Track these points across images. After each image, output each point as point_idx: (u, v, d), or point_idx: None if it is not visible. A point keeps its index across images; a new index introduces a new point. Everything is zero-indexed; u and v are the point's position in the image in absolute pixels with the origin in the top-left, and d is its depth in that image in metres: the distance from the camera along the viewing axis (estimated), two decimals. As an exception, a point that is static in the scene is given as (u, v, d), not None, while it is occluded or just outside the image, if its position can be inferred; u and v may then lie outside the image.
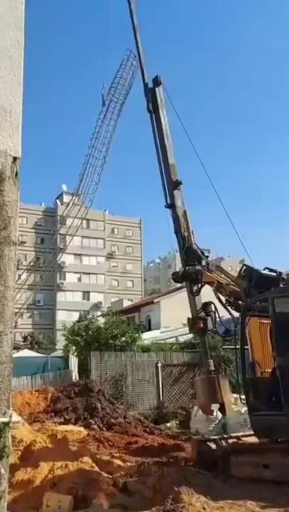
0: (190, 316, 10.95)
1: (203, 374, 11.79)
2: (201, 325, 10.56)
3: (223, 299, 10.29)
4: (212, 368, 10.80)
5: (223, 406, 10.37)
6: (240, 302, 9.43)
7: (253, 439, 9.21)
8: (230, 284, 10.13)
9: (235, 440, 9.63)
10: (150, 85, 12.41)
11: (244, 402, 9.03)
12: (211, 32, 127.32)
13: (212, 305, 10.67)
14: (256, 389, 8.74)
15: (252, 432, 9.30)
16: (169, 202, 11.55)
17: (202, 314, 10.65)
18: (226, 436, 10.05)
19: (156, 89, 12.23)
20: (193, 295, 10.82)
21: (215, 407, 10.59)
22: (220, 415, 12.16)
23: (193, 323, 10.80)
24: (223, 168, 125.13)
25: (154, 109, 12.13)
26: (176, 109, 12.28)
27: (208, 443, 9.39)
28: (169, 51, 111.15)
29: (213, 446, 9.31)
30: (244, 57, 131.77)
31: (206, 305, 10.71)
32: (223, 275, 10.64)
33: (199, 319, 10.61)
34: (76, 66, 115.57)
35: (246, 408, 12.63)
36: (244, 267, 9.95)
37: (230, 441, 9.58)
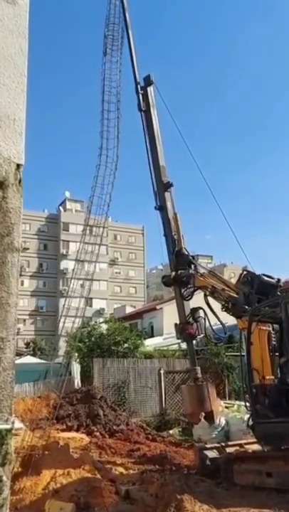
0: (178, 321, 10.76)
1: (190, 381, 11.48)
2: (191, 330, 10.38)
3: (219, 304, 10.01)
4: (199, 375, 10.60)
5: (211, 414, 10.19)
6: (246, 307, 9.19)
7: (256, 447, 9.14)
8: (226, 289, 9.95)
9: (237, 448, 9.57)
10: (142, 84, 12.22)
11: (249, 409, 8.90)
12: (211, 39, 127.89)
13: (201, 311, 10.44)
14: (263, 396, 8.57)
15: (254, 440, 9.25)
16: (159, 204, 11.43)
17: (190, 320, 10.46)
18: (228, 443, 9.97)
19: (148, 88, 12.09)
20: (184, 299, 10.67)
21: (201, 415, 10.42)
22: (223, 422, 12.10)
23: (182, 329, 10.59)
24: (224, 176, 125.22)
25: (145, 108, 11.99)
26: (168, 109, 12.13)
27: (211, 450, 9.34)
28: (165, 58, 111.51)
29: (215, 453, 9.26)
30: (244, 64, 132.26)
31: (195, 310, 10.51)
32: (218, 280, 10.46)
33: (188, 324, 10.42)
34: (78, 70, 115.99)
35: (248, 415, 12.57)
36: (245, 273, 9.81)
37: (233, 448, 9.52)
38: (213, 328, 10.74)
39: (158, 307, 37.91)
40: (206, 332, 10.61)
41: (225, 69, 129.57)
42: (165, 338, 30.64)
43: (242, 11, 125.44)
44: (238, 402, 14.91)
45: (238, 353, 20.17)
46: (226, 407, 13.37)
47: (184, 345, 23.95)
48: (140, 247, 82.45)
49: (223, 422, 12.09)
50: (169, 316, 33.42)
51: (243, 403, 14.81)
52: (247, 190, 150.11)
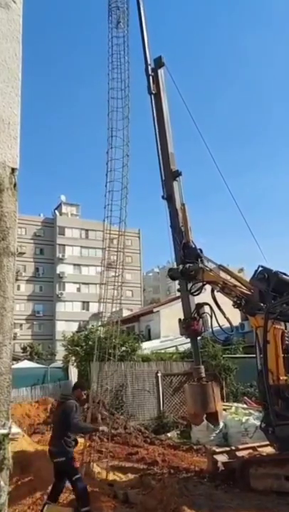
0: (182, 317, 10.23)
1: (193, 381, 10.79)
2: (196, 327, 9.89)
3: (224, 300, 9.52)
4: (203, 374, 10.10)
5: (215, 415, 9.67)
6: (262, 304, 8.74)
7: (269, 450, 8.92)
8: (238, 285, 9.41)
9: (250, 451, 9.35)
10: (152, 66, 11.59)
11: (265, 410, 8.54)
12: (211, 40, 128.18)
13: (206, 306, 9.92)
14: (278, 397, 8.22)
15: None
16: (167, 193, 10.90)
17: (195, 316, 9.96)
18: (238, 447, 9.73)
19: (159, 71, 11.52)
20: (191, 294, 10.15)
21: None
22: (221, 425, 12.07)
23: (187, 325, 10.03)
24: (220, 179, 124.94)
25: (155, 91, 11.38)
26: (180, 92, 11.36)
27: (222, 454, 9.10)
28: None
29: (226, 457, 9.05)
30: (244, 70, 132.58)
31: (200, 306, 10.01)
32: (229, 275, 9.97)
33: (193, 320, 9.92)
34: (78, 72, 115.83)
35: (244, 417, 12.51)
36: (261, 269, 9.12)
37: (244, 452, 9.29)
38: (215, 327, 10.26)
39: (155, 310, 37.90)
40: (212, 330, 10.07)
41: (223, 72, 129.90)
42: (162, 341, 30.64)
43: (240, 13, 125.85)
44: (235, 404, 14.91)
45: (236, 355, 20.20)
46: (224, 410, 13.34)
47: (181, 348, 24.02)
48: (136, 250, 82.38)
49: (221, 424, 12.07)
50: (166, 318, 33.42)
51: (240, 405, 14.86)
52: (246, 193, 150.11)
